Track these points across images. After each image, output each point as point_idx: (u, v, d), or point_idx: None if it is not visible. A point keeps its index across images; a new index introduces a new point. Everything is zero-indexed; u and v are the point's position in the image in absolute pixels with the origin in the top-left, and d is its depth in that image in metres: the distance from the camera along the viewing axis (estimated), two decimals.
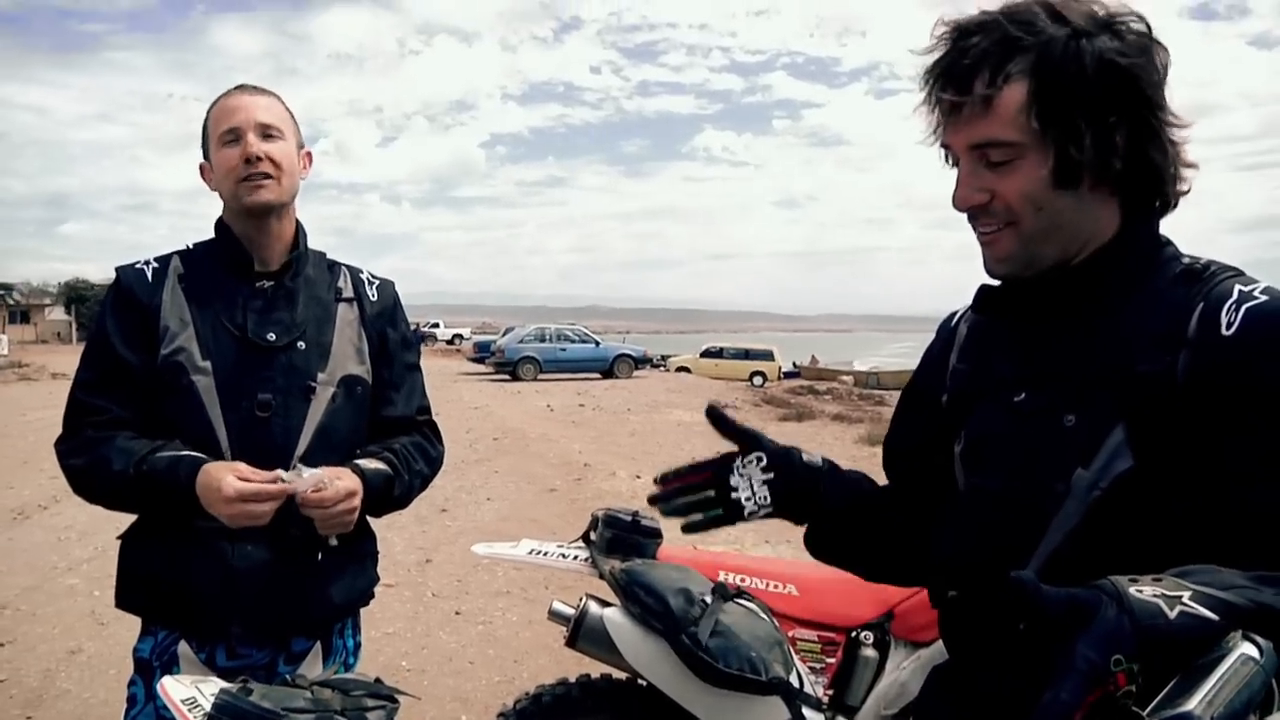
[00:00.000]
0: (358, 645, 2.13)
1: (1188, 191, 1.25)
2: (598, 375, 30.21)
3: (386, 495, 1.93)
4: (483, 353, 34.25)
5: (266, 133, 1.91)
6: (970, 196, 1.21)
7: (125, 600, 1.96)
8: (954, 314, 1.49)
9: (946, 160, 1.27)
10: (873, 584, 2.79)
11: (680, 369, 37.62)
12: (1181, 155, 1.22)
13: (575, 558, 2.77)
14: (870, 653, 2.76)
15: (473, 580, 6.60)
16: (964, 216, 1.26)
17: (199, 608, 1.86)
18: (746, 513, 1.40)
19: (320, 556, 1.92)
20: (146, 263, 1.97)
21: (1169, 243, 1.26)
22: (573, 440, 14.43)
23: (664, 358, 41.24)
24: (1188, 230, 1.29)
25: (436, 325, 69.91)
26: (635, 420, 17.87)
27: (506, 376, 29.48)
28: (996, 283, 1.33)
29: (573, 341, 31.38)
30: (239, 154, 1.89)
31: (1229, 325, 1.12)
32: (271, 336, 1.92)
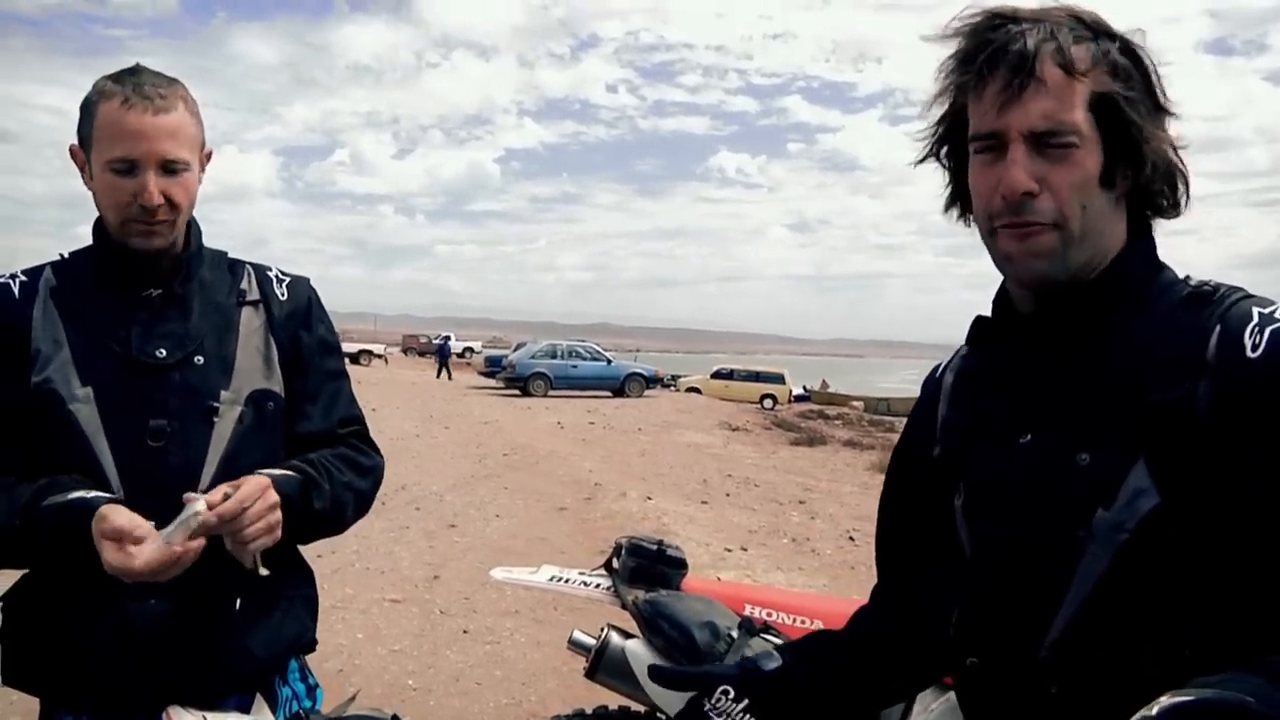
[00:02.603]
0: (312, 689, 1.86)
1: (1185, 207, 1.20)
2: (608, 393, 30.16)
3: (305, 509, 1.63)
4: (494, 367, 34.28)
5: (169, 167, 1.60)
6: (1025, 180, 1.11)
7: (17, 676, 1.67)
8: (937, 367, 1.42)
9: (979, 153, 1.16)
10: None
11: (691, 390, 37.60)
12: (1186, 176, 1.18)
13: (597, 586, 2.69)
14: None
15: (481, 598, 6.52)
16: (979, 241, 1.20)
17: (101, 680, 1.60)
18: None
19: (238, 605, 1.66)
20: (14, 276, 1.69)
21: (1165, 265, 1.20)
22: (583, 458, 14.36)
23: (674, 378, 41.21)
24: (1200, 265, 1.21)
25: (448, 338, 70.09)
26: (646, 440, 17.81)
27: (517, 392, 29.46)
28: (989, 314, 1.27)
29: (584, 359, 31.36)
30: (132, 192, 1.59)
31: (1254, 348, 1.05)
32: (161, 353, 1.64)
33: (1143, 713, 0.87)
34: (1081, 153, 1.11)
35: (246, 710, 1.65)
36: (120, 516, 1.44)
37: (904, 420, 1.50)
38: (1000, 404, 1.23)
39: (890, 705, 1.45)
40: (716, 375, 38.72)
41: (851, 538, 9.53)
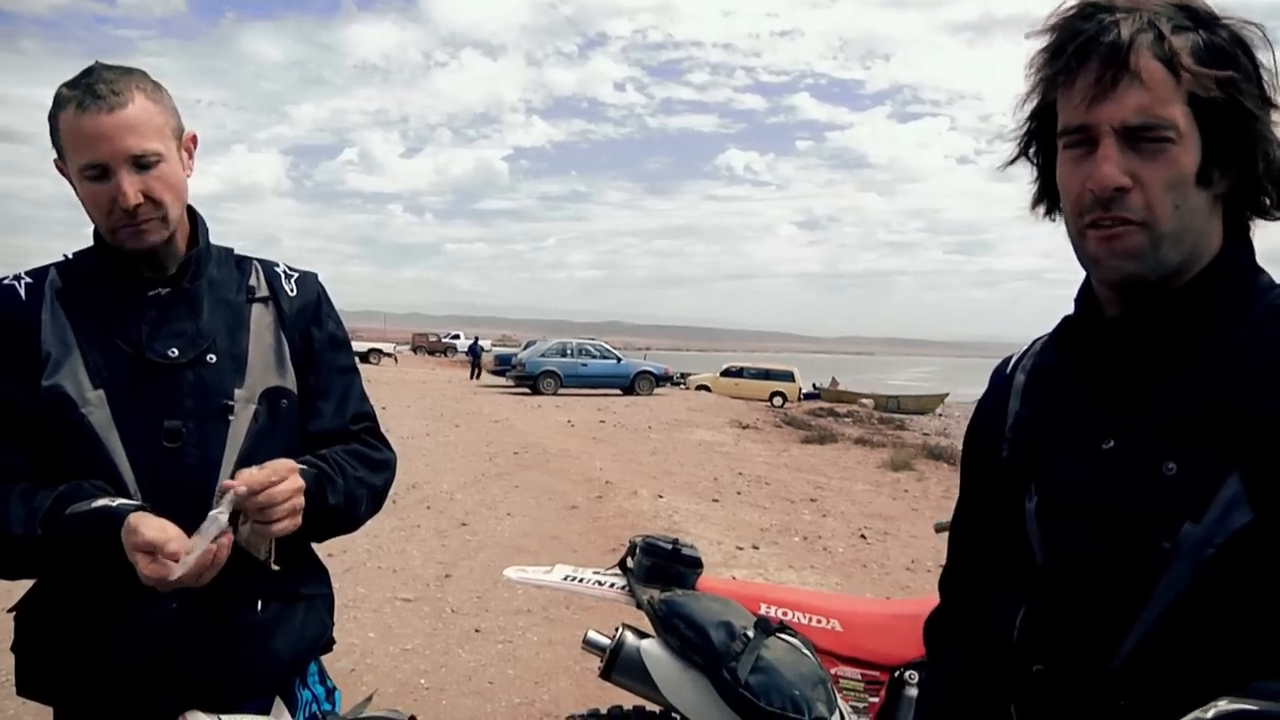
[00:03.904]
0: (330, 691, 1.85)
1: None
2: (618, 391, 30.14)
3: (320, 504, 1.60)
4: (504, 365, 34.29)
5: (141, 162, 1.55)
6: (1116, 176, 1.06)
7: (31, 686, 1.64)
8: (1007, 360, 1.37)
9: (1068, 148, 1.12)
10: (919, 621, 2.72)
11: (700, 387, 37.55)
12: None
13: (612, 586, 2.67)
14: (915, 693, 2.65)
15: (492, 597, 6.50)
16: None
17: (120, 687, 1.57)
18: None
19: (259, 607, 1.65)
20: (18, 277, 1.65)
21: (1263, 270, 1.16)
22: (594, 457, 14.34)
23: (684, 376, 41.18)
24: None
25: (457, 336, 70.23)
26: (656, 438, 17.77)
27: (527, 390, 29.46)
28: (1073, 311, 1.23)
29: (594, 357, 31.34)
30: (109, 196, 1.55)
31: None
32: (173, 352, 1.61)
33: (1197, 713, 0.86)
34: (1177, 149, 1.06)
35: (265, 714, 1.64)
36: (150, 529, 1.42)
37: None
38: (1082, 407, 1.18)
39: None
40: (726, 373, 38.68)
41: (863, 535, 9.50)
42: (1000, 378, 1.35)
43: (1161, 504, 1.07)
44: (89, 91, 1.53)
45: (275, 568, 1.55)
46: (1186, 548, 1.05)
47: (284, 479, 1.48)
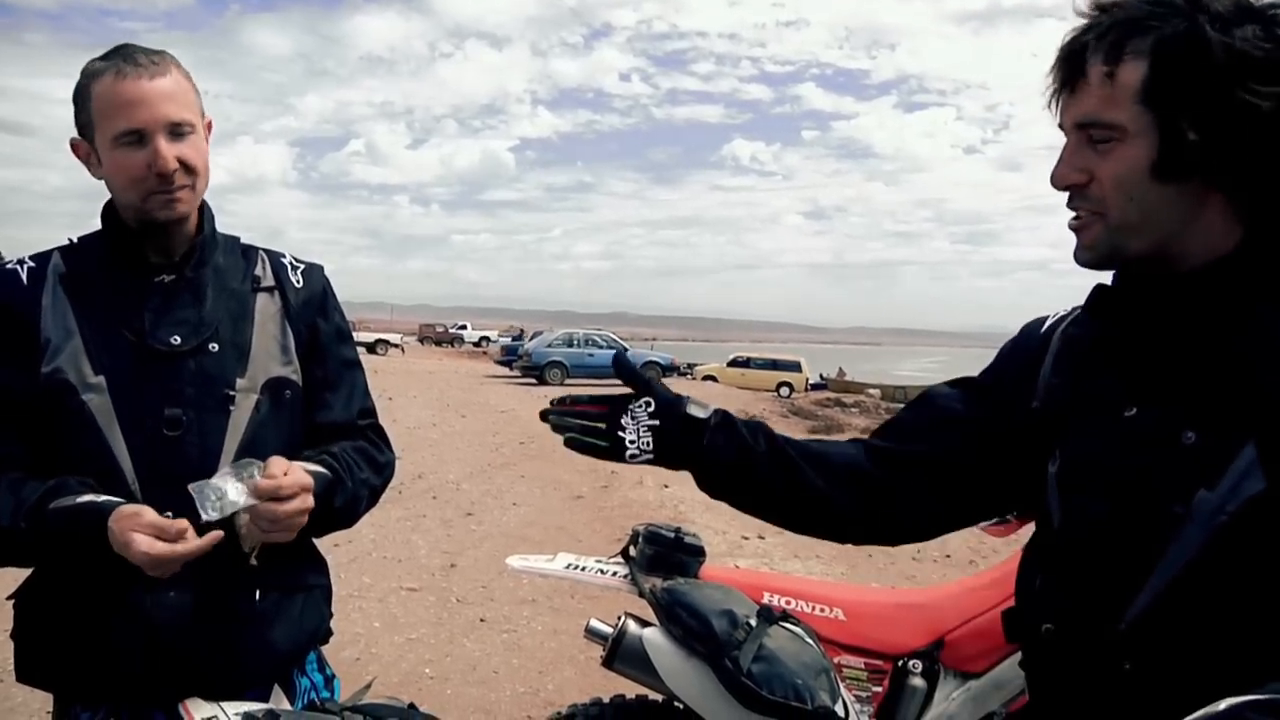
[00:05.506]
0: (329, 679, 1.86)
1: None
2: None
3: (327, 506, 1.60)
4: (510, 356, 34.27)
5: (177, 130, 1.57)
6: (1067, 174, 1.16)
7: (30, 673, 1.65)
8: (1044, 319, 1.38)
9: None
10: (923, 611, 2.72)
11: (707, 378, 37.53)
12: None
13: (614, 574, 2.66)
14: (918, 682, 2.64)
15: (498, 586, 6.51)
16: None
17: (119, 675, 1.57)
18: (627, 455, 1.38)
19: (258, 597, 1.65)
20: (21, 262, 1.64)
21: None
22: None
23: (691, 366, 41.14)
24: None
25: (464, 327, 70.32)
26: None
27: (533, 380, 29.48)
28: (1109, 282, 1.24)
29: (600, 347, 31.36)
30: (145, 162, 1.55)
31: None
32: (176, 340, 1.61)
33: (1208, 709, 0.87)
34: (1123, 146, 1.11)
35: (264, 702, 1.63)
36: (152, 513, 1.43)
37: None
38: (1108, 377, 1.21)
39: (776, 522, 1.46)
40: (733, 363, 38.61)
41: None
42: (1036, 334, 1.37)
43: (1178, 471, 1.09)
44: (128, 59, 1.56)
45: (254, 563, 1.56)
46: (1200, 514, 1.07)
47: (296, 495, 1.47)
